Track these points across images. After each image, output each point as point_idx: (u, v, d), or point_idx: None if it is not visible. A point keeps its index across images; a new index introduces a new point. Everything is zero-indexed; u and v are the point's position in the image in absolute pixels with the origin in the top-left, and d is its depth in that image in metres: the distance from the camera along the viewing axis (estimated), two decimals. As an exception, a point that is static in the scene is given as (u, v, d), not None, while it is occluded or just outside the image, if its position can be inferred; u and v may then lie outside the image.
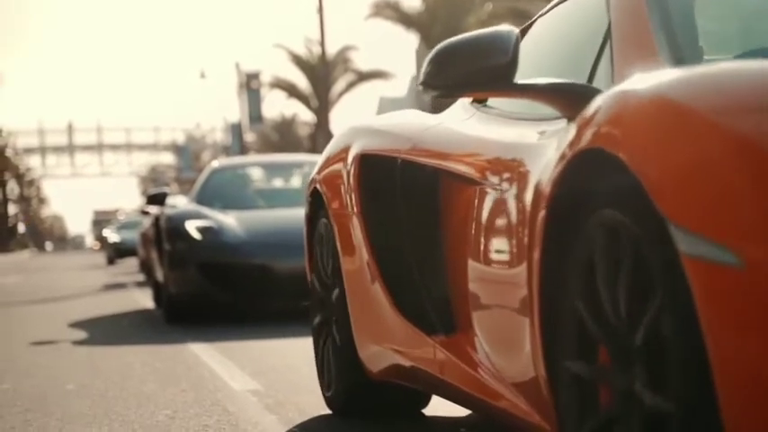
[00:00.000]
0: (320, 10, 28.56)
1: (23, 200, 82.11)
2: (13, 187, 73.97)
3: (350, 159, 3.61)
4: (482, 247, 2.74)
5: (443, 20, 34.04)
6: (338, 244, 3.60)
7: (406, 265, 3.27)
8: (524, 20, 26.99)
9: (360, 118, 4.79)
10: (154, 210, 10.53)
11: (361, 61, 43.37)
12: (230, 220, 8.61)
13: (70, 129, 78.46)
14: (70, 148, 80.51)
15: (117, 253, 30.40)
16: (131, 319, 9.51)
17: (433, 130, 3.30)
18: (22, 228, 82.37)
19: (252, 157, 14.55)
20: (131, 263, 27.90)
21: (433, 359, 3.10)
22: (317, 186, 3.87)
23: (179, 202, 9.65)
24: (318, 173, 3.91)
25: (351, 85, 42.98)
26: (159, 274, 9.60)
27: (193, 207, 9.13)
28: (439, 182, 3.14)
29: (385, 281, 3.35)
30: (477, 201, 2.81)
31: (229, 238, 8.40)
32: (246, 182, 10.28)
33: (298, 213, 8.21)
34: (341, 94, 42.79)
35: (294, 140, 53.70)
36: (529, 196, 2.39)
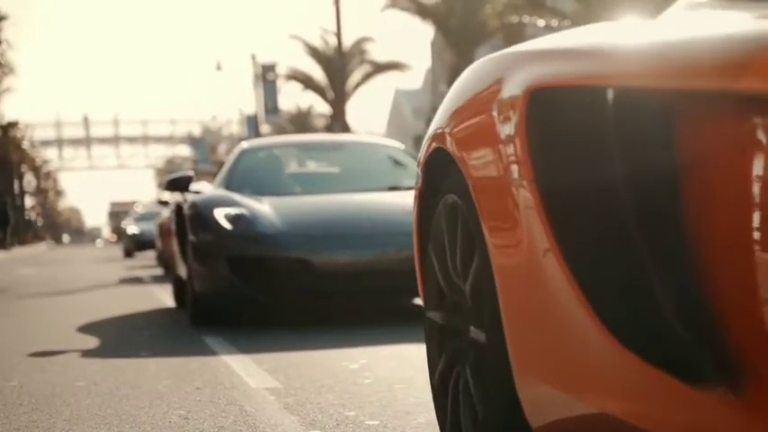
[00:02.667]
0: (336, 1, 28.32)
1: (40, 192, 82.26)
2: (30, 180, 74.11)
3: (510, 98, 2.15)
4: None
5: (460, 11, 33.74)
6: (486, 231, 2.23)
7: (622, 260, 1.88)
8: (542, 10, 26.67)
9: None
10: (175, 197, 9.38)
11: (376, 53, 43.14)
12: (265, 208, 7.44)
13: (86, 121, 78.47)
14: (87, 141, 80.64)
15: (136, 245, 29.48)
16: (148, 318, 9.27)
17: (664, 40, 1.82)
18: (38, 220, 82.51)
19: (286, 138, 12.57)
20: (149, 255, 27.74)
21: (679, 423, 1.68)
22: (445, 146, 2.51)
23: (204, 187, 8.53)
24: (444, 127, 2.54)
25: (367, 77, 42.71)
26: (182, 270, 8.53)
27: (222, 193, 7.96)
28: (683, 123, 1.76)
29: (581, 284, 1.91)
30: (755, 151, 1.55)
31: (264, 227, 7.21)
32: (281, 164, 8.97)
33: (341, 200, 7.75)
34: (357, 86, 42.54)
35: (310, 132, 53.52)
36: None
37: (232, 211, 7.34)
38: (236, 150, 9.06)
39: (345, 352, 5.58)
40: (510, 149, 2.13)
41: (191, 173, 8.62)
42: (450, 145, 2.49)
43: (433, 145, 2.63)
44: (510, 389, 2.16)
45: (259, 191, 7.99)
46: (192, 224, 7.49)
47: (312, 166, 9.11)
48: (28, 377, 5.17)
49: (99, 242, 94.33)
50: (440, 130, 2.58)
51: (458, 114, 2.49)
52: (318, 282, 6.99)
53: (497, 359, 2.21)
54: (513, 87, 2.16)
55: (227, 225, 7.22)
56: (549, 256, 1.98)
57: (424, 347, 2.86)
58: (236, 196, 7.69)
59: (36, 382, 4.96)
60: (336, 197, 7.77)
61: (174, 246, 9.06)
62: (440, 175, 2.62)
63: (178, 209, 8.73)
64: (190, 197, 8.03)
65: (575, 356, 1.94)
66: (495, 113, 2.22)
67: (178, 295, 9.33)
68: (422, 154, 2.76)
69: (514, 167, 2.10)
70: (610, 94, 1.88)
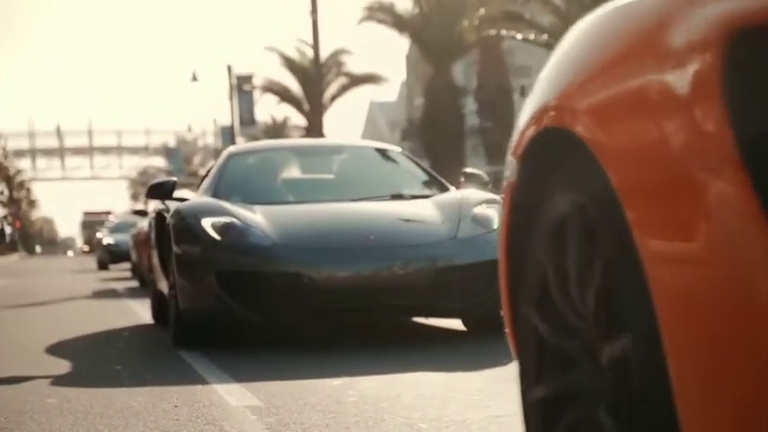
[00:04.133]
0: (314, 12, 28.20)
1: (13, 202, 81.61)
2: (2, 189, 73.49)
3: (692, 46, 1.40)
4: None
5: (437, 24, 33.71)
6: (643, 243, 1.47)
7: None
8: (520, 24, 26.63)
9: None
10: (154, 206, 8.63)
11: (352, 66, 43.00)
12: (257, 217, 6.71)
13: (59, 132, 77.98)
14: (60, 151, 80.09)
15: (111, 256, 28.13)
16: (122, 333, 9.07)
17: None
18: (10, 230, 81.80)
19: (278, 141, 11.66)
20: (123, 266, 27.38)
21: None
22: (565, 126, 1.72)
23: (189, 195, 7.94)
24: (562, 98, 1.75)
25: (344, 89, 42.63)
26: (162, 284, 7.78)
27: (209, 200, 7.22)
28: None
29: None
30: None
31: (257, 239, 6.49)
32: (273, 170, 8.14)
33: (341, 209, 6.99)
34: (333, 98, 42.44)
35: (286, 144, 53.35)
36: None
37: (221, 220, 6.62)
38: (224, 154, 8.29)
39: (327, 367, 5.41)
40: (695, 123, 1.39)
41: (174, 179, 7.99)
42: (576, 123, 1.70)
43: (543, 124, 1.84)
44: None
45: (249, 199, 7.23)
46: (176, 234, 6.77)
47: (306, 172, 8.40)
48: (-3, 393, 4.98)
49: (70, 252, 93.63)
50: (553, 104, 1.80)
51: (591, 79, 1.70)
52: (317, 299, 6.30)
53: (658, 412, 1.50)
54: (695, 29, 1.42)
55: (215, 235, 6.51)
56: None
57: (408, 361, 2.64)
58: (226, 204, 6.96)
59: (5, 399, 4.77)
60: (335, 206, 7.11)
61: (154, 258, 8.36)
62: (552, 166, 1.88)
63: (159, 217, 8.10)
64: (173, 205, 7.34)
65: None
66: (664, 72, 1.46)
67: (157, 311, 8.75)
68: (516, 140, 1.98)
69: (704, 149, 1.36)
70: None
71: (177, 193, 7.66)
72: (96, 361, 6.30)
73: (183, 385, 5.00)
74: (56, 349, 7.02)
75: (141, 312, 10.31)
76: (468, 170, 8.06)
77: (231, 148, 8.56)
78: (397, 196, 7.49)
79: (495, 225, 6.49)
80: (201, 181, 8.43)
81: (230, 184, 7.63)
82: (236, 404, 4.37)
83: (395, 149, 8.71)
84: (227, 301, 6.34)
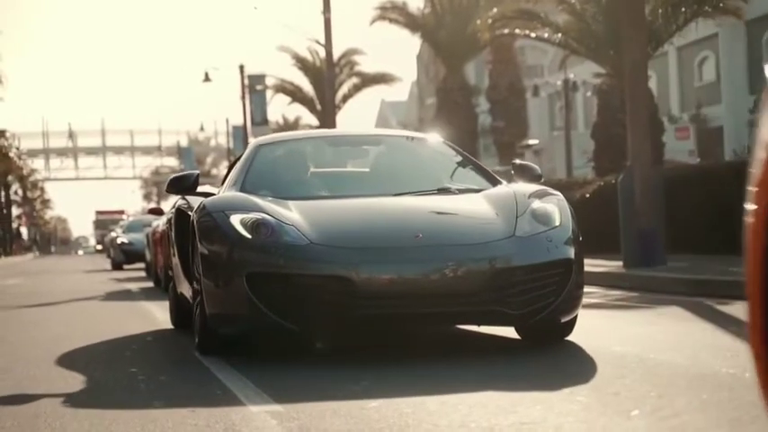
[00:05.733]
0: (326, 10, 28.09)
1: (27, 202, 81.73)
2: (16, 189, 73.61)
3: None
4: None
5: (450, 24, 33.60)
6: None
7: None
8: (535, 21, 26.53)
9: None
10: (173, 202, 8.01)
11: (363, 65, 42.83)
12: (291, 214, 6.01)
13: (71, 133, 78.08)
14: (74, 151, 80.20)
15: (125, 256, 27.47)
16: (137, 334, 8.98)
17: None
18: (25, 230, 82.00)
19: (309, 132, 10.60)
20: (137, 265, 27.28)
21: None
22: None
23: (212, 190, 7.34)
24: None
25: (356, 89, 42.50)
26: (184, 287, 7.23)
27: (238, 194, 6.56)
28: None
29: None
30: None
31: (292, 238, 5.75)
32: (304, 162, 7.44)
33: (384, 204, 6.26)
34: (345, 98, 42.33)
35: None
36: None
37: (252, 216, 5.92)
38: (251, 145, 7.58)
39: (349, 371, 5.30)
40: None
41: (197, 171, 7.29)
42: None
43: None
44: None
45: (280, 193, 6.56)
46: (202, 232, 6.11)
47: (341, 164, 7.77)
48: (10, 397, 4.89)
49: (80, 251, 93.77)
50: None
51: None
52: (358, 305, 5.55)
53: None
54: None
55: (245, 234, 5.81)
56: None
57: (431, 366, 2.55)
58: (256, 199, 6.26)
59: (19, 402, 4.68)
60: (377, 201, 6.37)
61: (174, 258, 7.74)
62: None
63: (179, 214, 7.45)
64: (197, 200, 6.73)
65: None
66: None
67: (177, 315, 8.21)
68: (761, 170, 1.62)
69: None
70: None
71: (201, 188, 7.11)
72: (111, 363, 6.20)
73: (200, 389, 4.90)
74: (69, 352, 6.93)
75: (153, 311, 10.23)
76: (519, 162, 7.27)
77: (259, 139, 7.88)
78: (444, 190, 6.71)
79: (558, 222, 5.97)
80: (226, 175, 7.76)
81: (258, 178, 6.91)
82: (257, 409, 4.26)
83: (436, 138, 7.97)
84: (259, 307, 5.64)
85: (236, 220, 5.91)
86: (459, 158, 7.41)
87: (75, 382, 5.38)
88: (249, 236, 5.80)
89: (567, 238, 5.97)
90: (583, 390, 4.42)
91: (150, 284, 17.10)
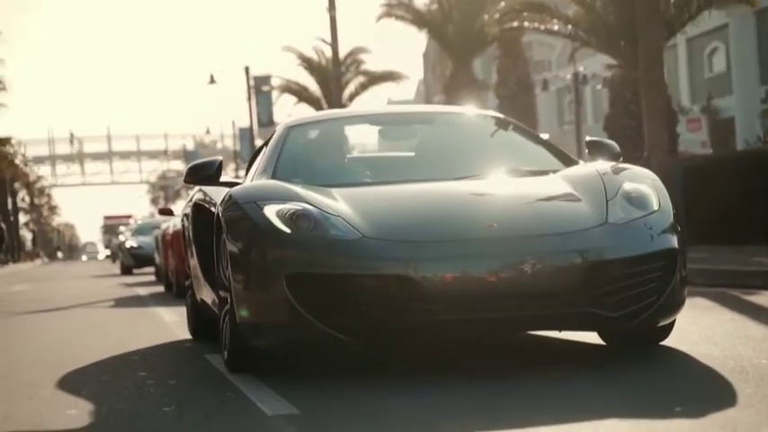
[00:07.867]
0: (331, 8, 27.89)
1: (34, 208, 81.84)
2: (23, 196, 73.70)
3: None
4: None
5: (458, 19, 33.42)
6: None
7: None
8: (545, 14, 26.27)
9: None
10: (192, 194, 7.09)
11: (370, 64, 42.52)
12: (338, 203, 5.07)
13: (72, 138, 78.19)
14: (80, 157, 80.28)
15: (135, 260, 27.05)
16: (145, 337, 8.74)
17: None
18: (31, 236, 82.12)
19: (346, 111, 8.36)
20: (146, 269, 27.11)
21: None
22: None
23: (238, 180, 6.35)
24: None
25: (362, 87, 42.34)
26: (205, 292, 6.30)
27: (271, 182, 5.56)
28: None
29: None
30: None
31: (340, 231, 4.81)
32: (344, 145, 6.44)
33: (447, 191, 5.29)
34: (352, 97, 42.16)
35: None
36: None
37: (290, 207, 4.96)
38: (280, 128, 6.48)
39: (368, 373, 5.06)
40: None
41: (220, 158, 6.19)
42: None
43: None
44: None
45: (316, 180, 5.57)
46: (230, 228, 5.14)
47: (387, 146, 6.70)
48: (14, 404, 4.68)
49: (84, 257, 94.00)
50: None
51: None
52: (422, 309, 4.61)
53: None
54: None
55: (283, 227, 4.86)
56: None
57: (453, 365, 2.30)
58: (294, 187, 5.27)
59: (23, 410, 4.47)
60: (436, 186, 5.40)
61: (191, 260, 6.82)
62: None
63: (197, 209, 6.54)
64: (217, 194, 5.86)
65: None
66: None
67: (196, 324, 7.29)
68: None
69: None
70: None
71: (225, 178, 6.09)
72: (118, 368, 5.97)
73: (213, 394, 4.66)
74: (76, 357, 6.70)
75: (161, 313, 9.99)
76: (592, 138, 6.17)
77: (289, 121, 6.69)
78: (513, 172, 5.73)
79: (656, 205, 5.01)
80: (250, 163, 6.82)
81: (292, 163, 5.91)
82: (272, 413, 4.02)
83: (496, 114, 6.92)
84: (302, 313, 4.70)
85: (271, 211, 4.95)
86: (527, 136, 6.43)
87: (81, 388, 5.14)
88: (288, 230, 4.85)
89: (669, 225, 5.01)
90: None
91: (161, 289, 16.84)
